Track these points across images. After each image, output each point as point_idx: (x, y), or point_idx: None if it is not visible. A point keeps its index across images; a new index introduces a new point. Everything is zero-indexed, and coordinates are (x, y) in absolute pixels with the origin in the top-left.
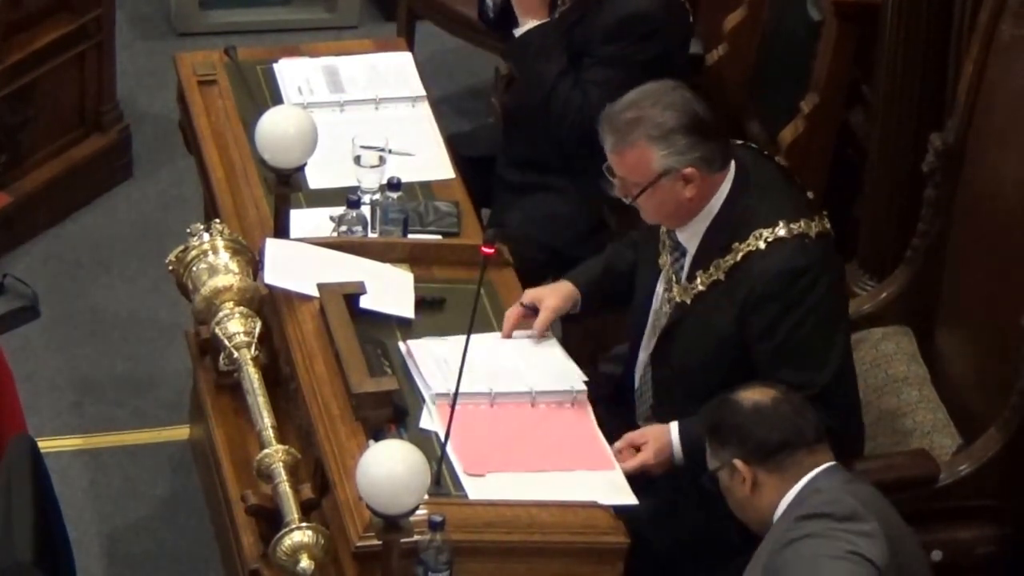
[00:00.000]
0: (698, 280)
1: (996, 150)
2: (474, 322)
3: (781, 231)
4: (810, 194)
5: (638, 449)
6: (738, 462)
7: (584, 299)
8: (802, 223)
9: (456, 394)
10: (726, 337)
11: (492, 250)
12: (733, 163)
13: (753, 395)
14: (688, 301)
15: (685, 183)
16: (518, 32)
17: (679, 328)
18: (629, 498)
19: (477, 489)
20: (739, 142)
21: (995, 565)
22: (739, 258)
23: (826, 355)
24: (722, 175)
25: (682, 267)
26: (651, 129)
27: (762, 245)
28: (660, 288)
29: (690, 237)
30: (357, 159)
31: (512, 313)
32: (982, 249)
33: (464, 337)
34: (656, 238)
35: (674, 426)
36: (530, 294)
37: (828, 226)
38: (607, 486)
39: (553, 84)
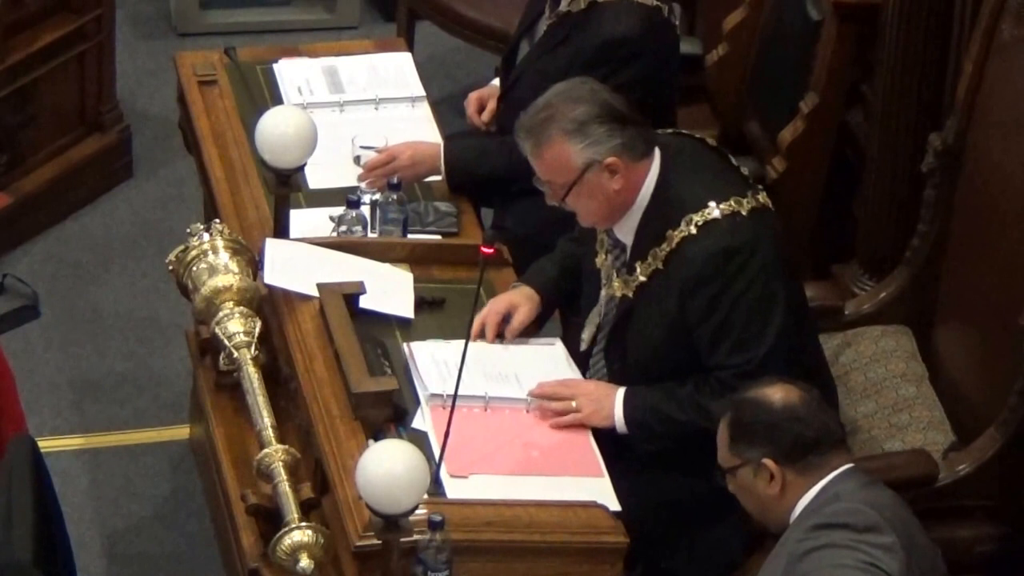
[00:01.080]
0: (638, 271)
1: (996, 150)
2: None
3: (712, 213)
4: (744, 170)
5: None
6: (769, 461)
7: (544, 303)
8: (732, 201)
9: (455, 396)
10: (673, 324)
11: (492, 250)
12: (658, 151)
13: (778, 392)
14: (630, 294)
15: (611, 174)
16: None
17: (628, 322)
18: (614, 505)
19: (457, 490)
20: (670, 130)
21: (993, 564)
22: (674, 245)
23: (763, 332)
24: (647, 162)
25: (624, 263)
26: (565, 124)
27: (693, 230)
28: (603, 288)
29: (627, 232)
30: (357, 159)
31: (492, 321)
32: (982, 249)
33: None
34: (594, 240)
35: (619, 395)
36: (504, 301)
37: (763, 200)
38: (592, 492)
39: (509, 148)
